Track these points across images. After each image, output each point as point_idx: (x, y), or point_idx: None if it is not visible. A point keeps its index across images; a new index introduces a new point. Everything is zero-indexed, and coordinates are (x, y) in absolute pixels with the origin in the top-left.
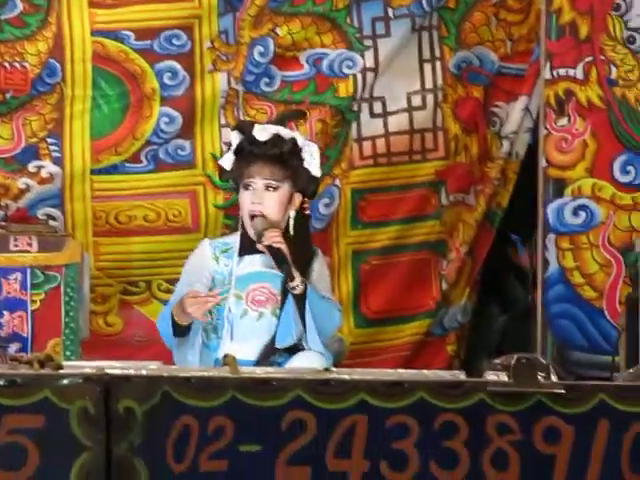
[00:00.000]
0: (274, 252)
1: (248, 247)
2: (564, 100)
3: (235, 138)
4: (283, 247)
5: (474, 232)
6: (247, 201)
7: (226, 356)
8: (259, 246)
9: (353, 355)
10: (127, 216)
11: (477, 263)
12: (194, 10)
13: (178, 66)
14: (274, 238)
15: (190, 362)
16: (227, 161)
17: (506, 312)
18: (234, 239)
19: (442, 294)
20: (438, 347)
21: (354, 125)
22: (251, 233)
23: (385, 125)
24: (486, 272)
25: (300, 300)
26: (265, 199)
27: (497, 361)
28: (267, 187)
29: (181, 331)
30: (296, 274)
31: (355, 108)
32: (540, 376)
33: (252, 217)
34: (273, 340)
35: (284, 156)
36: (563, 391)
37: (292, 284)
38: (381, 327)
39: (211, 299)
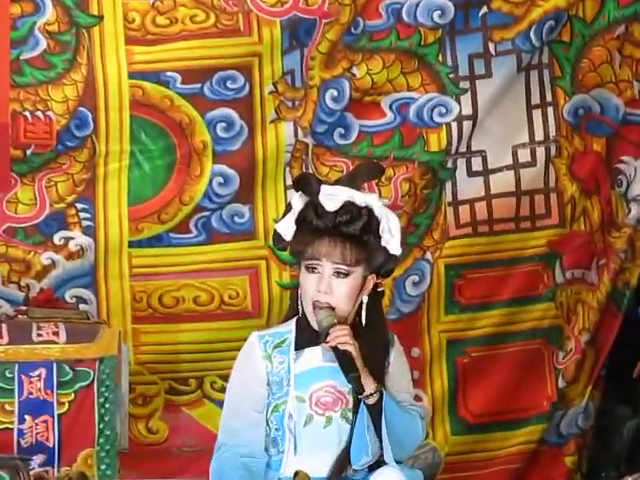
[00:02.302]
0: (341, 356)
1: (307, 338)
2: None
3: (297, 201)
4: (352, 350)
5: (597, 316)
6: (311, 287)
7: (298, 473)
8: (324, 346)
9: (450, 468)
10: (173, 298)
11: (601, 354)
12: (253, 46)
13: (234, 114)
14: (341, 338)
15: None
16: (287, 229)
17: (637, 414)
18: (288, 328)
19: (558, 393)
20: (554, 458)
21: (448, 185)
22: (314, 325)
23: (486, 185)
24: (612, 365)
25: (375, 410)
26: (334, 288)
27: (629, 479)
28: (337, 273)
29: None
30: (367, 382)
31: (449, 165)
32: None
33: (316, 307)
34: (347, 451)
35: (357, 235)
36: None
37: (364, 394)
38: (484, 434)
39: None
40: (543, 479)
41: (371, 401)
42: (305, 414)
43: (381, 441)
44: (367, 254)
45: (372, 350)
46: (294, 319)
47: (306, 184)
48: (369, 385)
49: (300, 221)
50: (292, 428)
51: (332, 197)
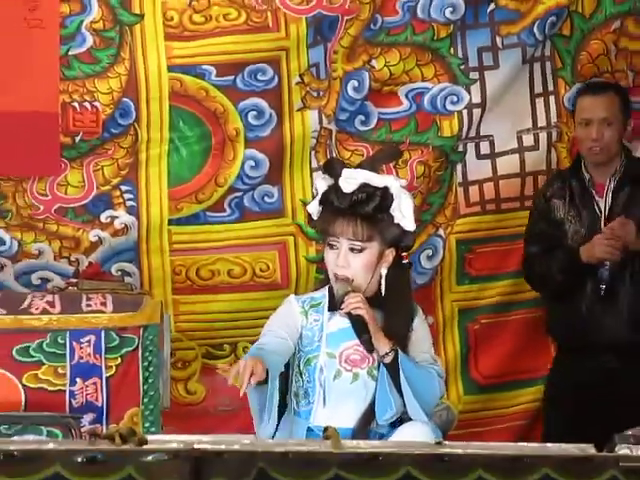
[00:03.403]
0: (354, 320)
1: (337, 303)
2: None
3: (321, 184)
4: (364, 314)
5: None
6: (331, 262)
7: (327, 429)
8: (340, 312)
9: (463, 425)
10: (209, 271)
11: None
12: (281, 42)
13: (264, 104)
14: (353, 304)
15: (264, 421)
16: (314, 209)
17: None
18: (322, 293)
19: None
20: None
21: (459, 167)
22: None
23: (493, 167)
24: None
25: (392, 368)
26: (350, 262)
27: (629, 432)
28: (351, 249)
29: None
30: (382, 343)
31: (460, 149)
32: None
33: (337, 278)
34: (372, 406)
35: (370, 213)
36: None
37: (379, 354)
38: (494, 393)
39: (245, 383)
40: None
41: (387, 360)
42: (335, 369)
43: (402, 397)
44: (380, 230)
45: (395, 318)
46: (327, 286)
47: (331, 167)
48: (383, 346)
49: (324, 202)
50: (322, 381)
51: (350, 180)
